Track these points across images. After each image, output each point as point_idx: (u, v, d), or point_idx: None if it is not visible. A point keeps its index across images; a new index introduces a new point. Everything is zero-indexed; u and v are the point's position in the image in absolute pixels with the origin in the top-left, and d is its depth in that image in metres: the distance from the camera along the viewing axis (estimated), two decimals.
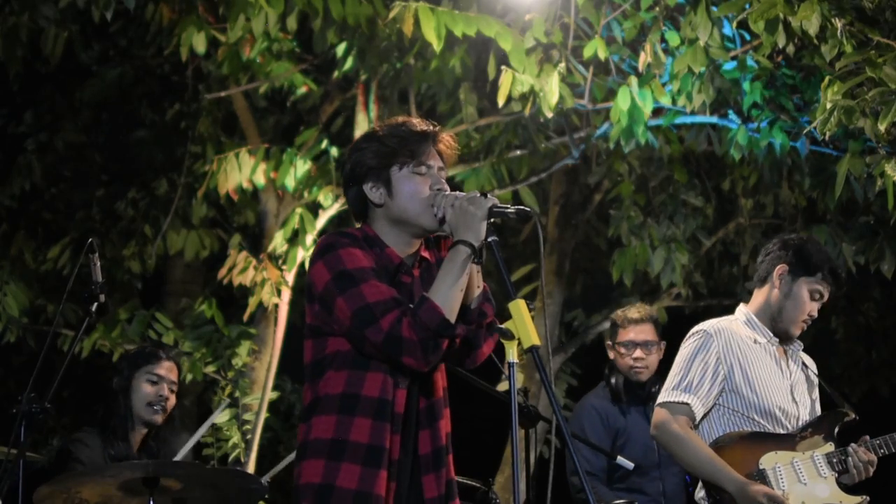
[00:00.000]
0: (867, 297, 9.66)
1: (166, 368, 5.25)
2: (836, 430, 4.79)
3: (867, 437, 4.79)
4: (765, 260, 4.91)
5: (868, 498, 4.70)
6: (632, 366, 6.03)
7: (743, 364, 4.75)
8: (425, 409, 3.57)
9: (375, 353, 3.46)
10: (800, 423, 4.80)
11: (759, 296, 4.90)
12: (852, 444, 4.75)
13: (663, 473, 5.98)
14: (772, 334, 4.84)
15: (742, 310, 4.93)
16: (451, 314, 3.42)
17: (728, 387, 4.73)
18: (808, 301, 4.83)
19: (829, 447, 4.75)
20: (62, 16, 7.14)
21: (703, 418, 4.76)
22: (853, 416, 4.82)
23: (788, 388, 4.82)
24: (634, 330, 6.04)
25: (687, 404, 4.69)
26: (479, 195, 3.46)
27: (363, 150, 3.62)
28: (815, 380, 4.93)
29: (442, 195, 3.53)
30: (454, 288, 3.43)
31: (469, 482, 5.28)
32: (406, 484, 3.52)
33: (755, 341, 4.83)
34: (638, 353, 6.01)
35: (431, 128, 3.64)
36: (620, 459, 5.51)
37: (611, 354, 6.15)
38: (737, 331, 4.82)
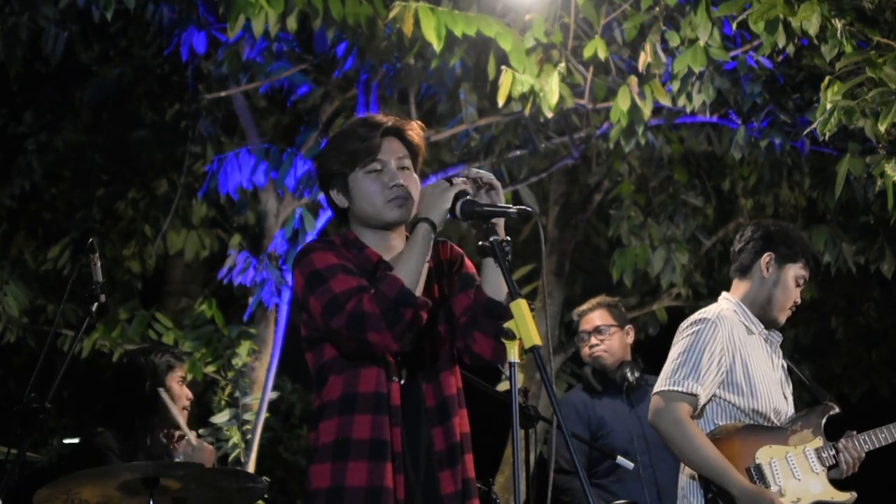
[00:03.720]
0: (867, 297, 9.67)
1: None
2: (823, 424, 4.74)
3: (854, 433, 4.75)
4: (745, 249, 4.82)
5: (856, 494, 4.67)
6: (589, 353, 6.12)
7: (743, 356, 4.66)
8: (436, 407, 3.60)
9: (344, 341, 3.47)
10: (787, 417, 4.74)
11: (742, 286, 4.81)
12: (842, 441, 4.71)
13: (654, 460, 5.92)
14: (761, 325, 4.78)
15: (729, 298, 4.81)
16: (413, 286, 3.44)
17: (728, 379, 4.62)
18: (794, 288, 4.79)
19: (819, 442, 4.70)
20: (62, 16, 7.13)
21: (699, 409, 4.64)
22: (837, 409, 4.78)
23: (779, 382, 4.77)
24: (584, 321, 6.15)
25: (693, 394, 4.54)
26: (444, 181, 3.51)
27: (324, 155, 3.69)
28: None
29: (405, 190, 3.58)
30: (414, 261, 3.46)
31: None
32: (414, 478, 3.54)
33: (749, 331, 4.75)
34: (592, 340, 6.09)
35: (386, 121, 3.65)
36: (620, 460, 5.50)
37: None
38: (734, 320, 4.72)
